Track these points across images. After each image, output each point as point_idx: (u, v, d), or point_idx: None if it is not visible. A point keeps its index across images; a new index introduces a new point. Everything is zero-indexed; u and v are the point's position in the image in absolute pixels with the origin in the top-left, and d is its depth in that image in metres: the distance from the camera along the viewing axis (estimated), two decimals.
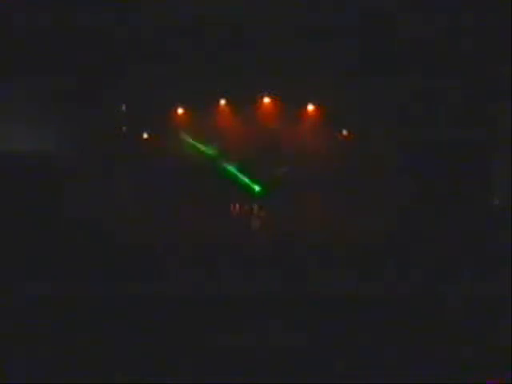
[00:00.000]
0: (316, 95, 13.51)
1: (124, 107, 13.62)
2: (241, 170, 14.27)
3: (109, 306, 8.61)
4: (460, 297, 8.69)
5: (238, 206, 14.11)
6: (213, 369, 6.79)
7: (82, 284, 9.50)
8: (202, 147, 13.98)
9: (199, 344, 7.37)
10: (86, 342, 7.39)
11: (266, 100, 14.03)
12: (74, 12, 10.92)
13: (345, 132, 13.97)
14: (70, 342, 7.36)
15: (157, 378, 6.58)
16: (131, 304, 8.71)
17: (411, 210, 12.29)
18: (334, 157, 13.46)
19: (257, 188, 14.33)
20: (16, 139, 11.65)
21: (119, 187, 13.17)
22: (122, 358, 6.97)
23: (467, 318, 7.98)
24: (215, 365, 6.88)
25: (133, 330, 7.85)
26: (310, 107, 14.01)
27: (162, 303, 8.70)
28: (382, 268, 10.30)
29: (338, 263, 10.52)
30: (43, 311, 8.36)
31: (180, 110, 14.14)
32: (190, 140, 13.92)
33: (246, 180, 14.30)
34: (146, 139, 14.16)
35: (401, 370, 6.67)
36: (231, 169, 14.20)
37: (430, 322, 7.93)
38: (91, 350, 7.18)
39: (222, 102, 14.13)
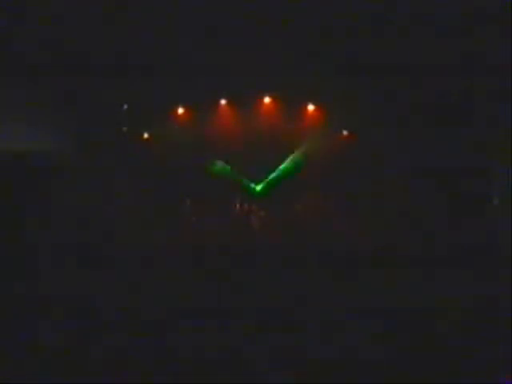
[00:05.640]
0: (316, 95, 13.51)
1: (124, 107, 13.62)
2: (241, 170, 14.26)
3: (109, 305, 8.62)
4: (460, 297, 8.70)
5: (238, 205, 14.11)
6: (212, 368, 6.80)
7: (81, 282, 9.53)
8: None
9: (198, 343, 7.38)
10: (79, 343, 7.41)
11: (267, 100, 14.03)
12: (74, 12, 10.90)
13: (345, 132, 13.96)
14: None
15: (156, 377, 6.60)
16: (131, 303, 8.72)
17: (411, 210, 12.29)
18: (334, 157, 13.44)
19: (257, 188, 14.33)
20: (16, 139, 11.65)
21: (119, 187, 13.17)
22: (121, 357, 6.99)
23: (467, 318, 7.98)
24: (214, 364, 6.90)
25: (132, 328, 7.86)
26: (310, 107, 14.01)
27: (162, 302, 8.71)
28: (382, 267, 10.31)
29: (337, 264, 10.54)
30: (43, 310, 8.38)
31: (180, 110, 14.14)
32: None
33: (246, 180, 14.30)
34: (146, 139, 14.16)
35: (401, 371, 6.68)
36: (231, 168, 14.19)
37: (429, 322, 7.94)
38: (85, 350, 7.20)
39: (223, 101, 14.13)
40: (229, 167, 14.13)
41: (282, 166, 14.10)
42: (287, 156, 14.04)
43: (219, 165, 14.06)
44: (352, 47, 11.87)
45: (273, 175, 14.18)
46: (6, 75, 11.35)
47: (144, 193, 13.33)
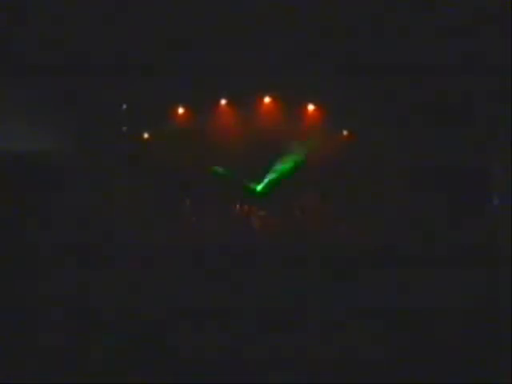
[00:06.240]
0: (316, 95, 13.52)
1: (124, 107, 13.63)
2: (241, 170, 14.27)
3: (109, 305, 8.61)
4: (460, 297, 8.69)
5: (238, 205, 14.12)
6: (212, 368, 6.79)
7: (81, 282, 9.52)
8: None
9: (199, 343, 7.38)
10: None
11: (267, 100, 14.04)
12: (74, 11, 10.90)
13: (345, 132, 13.98)
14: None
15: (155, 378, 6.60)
16: (131, 303, 8.72)
17: (411, 210, 12.29)
18: (334, 157, 13.45)
19: (257, 188, 14.34)
20: (16, 139, 11.65)
21: (119, 187, 13.18)
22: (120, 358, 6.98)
23: (467, 318, 7.97)
24: (214, 364, 6.89)
25: (132, 328, 7.86)
26: (310, 107, 14.02)
27: (162, 302, 8.70)
28: (382, 267, 10.31)
29: (337, 264, 10.54)
30: (44, 310, 8.38)
31: (180, 110, 14.15)
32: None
33: (247, 180, 14.32)
34: (146, 139, 14.17)
35: (401, 371, 6.67)
36: (232, 168, 14.21)
37: (429, 322, 7.93)
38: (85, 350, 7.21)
39: (223, 101, 14.14)
40: (229, 170, 14.13)
41: (281, 166, 14.12)
42: (287, 156, 14.05)
43: (219, 170, 14.08)
44: (352, 47, 11.87)
45: (273, 175, 14.19)
46: (6, 75, 11.34)
47: (144, 193, 13.33)
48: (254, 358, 6.98)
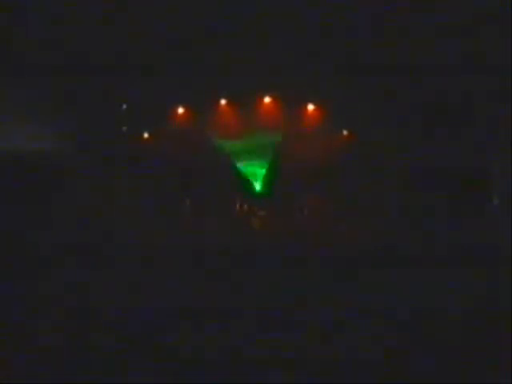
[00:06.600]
0: (316, 95, 13.52)
1: (124, 107, 13.63)
2: (241, 170, 14.27)
3: (109, 305, 8.62)
4: (460, 297, 8.69)
5: (238, 205, 14.12)
6: (212, 368, 6.80)
7: (81, 282, 9.53)
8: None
9: (199, 343, 7.38)
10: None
11: (267, 100, 14.04)
12: (74, 11, 10.91)
13: (345, 132, 13.98)
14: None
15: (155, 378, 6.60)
16: (131, 303, 8.72)
17: (411, 210, 12.29)
18: (334, 157, 13.46)
19: (257, 187, 14.34)
20: (16, 139, 11.65)
21: (119, 187, 13.17)
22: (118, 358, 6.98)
23: (467, 318, 7.97)
24: (214, 364, 6.90)
25: (132, 328, 7.86)
26: (310, 107, 14.02)
27: (162, 302, 8.70)
28: (382, 267, 10.31)
29: (337, 264, 10.54)
30: (43, 310, 8.38)
31: (180, 110, 14.16)
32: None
33: (247, 179, 14.31)
34: (146, 139, 14.17)
35: (401, 371, 6.68)
36: (232, 168, 14.21)
37: (429, 322, 7.93)
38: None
39: (223, 101, 14.14)
40: (229, 166, 14.14)
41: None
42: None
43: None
44: (352, 47, 11.87)
45: (269, 173, 14.22)
46: (6, 75, 11.34)
47: (144, 193, 13.33)
48: (254, 358, 6.98)
